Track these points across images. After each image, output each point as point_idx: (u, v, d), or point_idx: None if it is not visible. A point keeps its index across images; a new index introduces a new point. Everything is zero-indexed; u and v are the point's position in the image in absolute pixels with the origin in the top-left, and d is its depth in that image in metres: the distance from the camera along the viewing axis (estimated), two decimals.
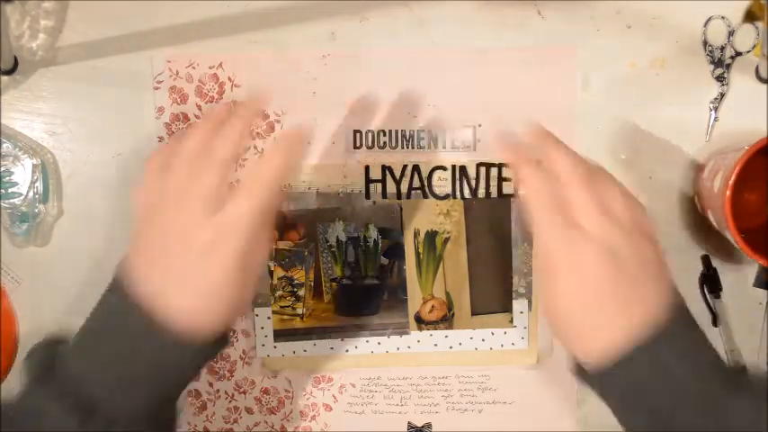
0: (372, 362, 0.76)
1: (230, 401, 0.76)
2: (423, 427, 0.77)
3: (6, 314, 0.74)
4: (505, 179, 0.73)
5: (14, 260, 0.74)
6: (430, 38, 0.72)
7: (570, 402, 0.76)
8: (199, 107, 0.72)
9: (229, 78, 0.72)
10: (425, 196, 0.73)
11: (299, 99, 0.72)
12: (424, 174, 0.73)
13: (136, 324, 0.53)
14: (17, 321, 0.74)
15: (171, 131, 0.73)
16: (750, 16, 0.71)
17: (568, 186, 0.55)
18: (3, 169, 0.72)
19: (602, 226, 0.53)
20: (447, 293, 0.75)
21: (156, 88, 0.72)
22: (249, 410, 0.76)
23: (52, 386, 0.53)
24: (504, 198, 0.73)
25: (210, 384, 0.76)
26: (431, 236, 0.74)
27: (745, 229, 0.64)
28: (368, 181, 0.73)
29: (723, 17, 0.71)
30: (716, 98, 0.72)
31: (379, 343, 0.75)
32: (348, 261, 0.74)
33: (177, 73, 0.72)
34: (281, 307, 0.75)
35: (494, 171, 0.73)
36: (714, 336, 0.74)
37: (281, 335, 0.75)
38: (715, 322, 0.73)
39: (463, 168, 0.73)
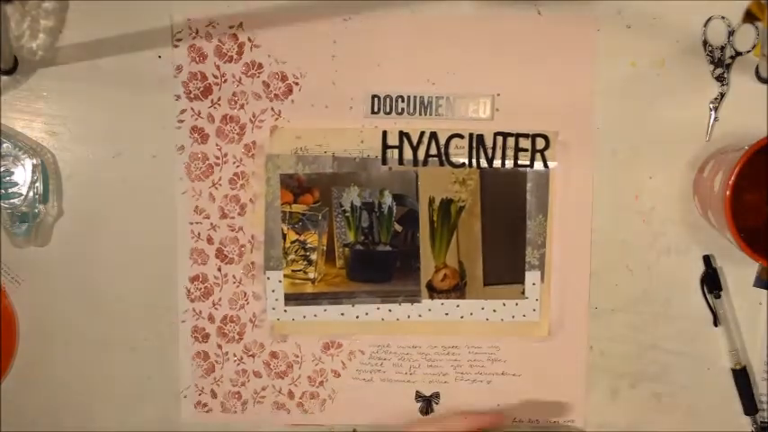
0: (383, 329, 0.76)
1: (238, 364, 0.76)
2: (431, 396, 0.77)
3: (6, 314, 0.74)
4: (522, 149, 0.73)
5: (14, 260, 0.74)
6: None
7: (580, 376, 0.76)
8: (217, 67, 0.72)
9: (249, 39, 0.72)
10: (442, 164, 0.74)
11: (317, 62, 0.72)
12: (442, 141, 0.73)
13: None
14: (17, 321, 0.74)
15: (188, 90, 0.72)
16: (750, 16, 0.71)
17: None
18: (3, 169, 0.72)
19: None
20: (460, 262, 0.75)
21: (176, 46, 0.72)
22: (257, 374, 0.77)
23: None
24: (521, 169, 0.74)
25: (219, 346, 0.76)
26: (446, 204, 0.74)
27: (745, 229, 0.64)
28: (385, 147, 0.73)
29: (723, 17, 0.71)
30: (716, 98, 0.72)
31: (390, 310, 0.76)
32: (362, 227, 0.74)
33: (197, 32, 0.72)
34: (292, 271, 0.75)
35: (511, 141, 0.73)
36: (716, 336, 0.74)
37: (291, 299, 0.75)
38: (716, 322, 0.73)
39: (480, 137, 0.73)
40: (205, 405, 0.77)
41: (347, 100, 0.73)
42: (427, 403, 0.77)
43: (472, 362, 0.76)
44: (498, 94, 0.73)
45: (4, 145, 0.71)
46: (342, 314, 0.75)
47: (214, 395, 0.77)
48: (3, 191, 0.72)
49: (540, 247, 0.74)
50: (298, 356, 0.76)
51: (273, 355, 0.76)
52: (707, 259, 0.73)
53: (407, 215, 0.74)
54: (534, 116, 0.73)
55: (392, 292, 0.75)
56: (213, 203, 0.74)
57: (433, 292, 0.75)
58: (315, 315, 0.76)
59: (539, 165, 0.73)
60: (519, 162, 0.73)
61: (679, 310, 0.74)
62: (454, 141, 0.73)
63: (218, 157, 0.73)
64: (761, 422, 0.74)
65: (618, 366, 0.76)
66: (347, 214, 0.74)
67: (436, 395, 0.77)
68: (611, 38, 0.72)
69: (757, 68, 0.72)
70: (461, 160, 0.73)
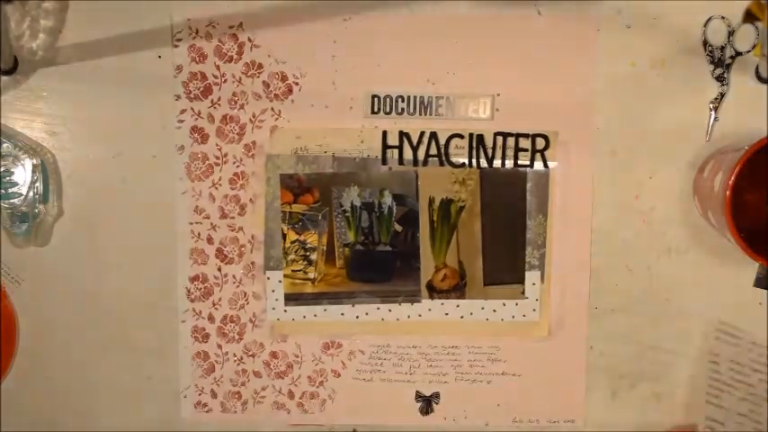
0: (383, 329, 0.76)
1: (239, 364, 0.77)
2: (431, 396, 0.77)
3: (6, 314, 0.74)
4: (522, 149, 0.73)
5: (14, 260, 0.74)
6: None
7: (579, 376, 0.76)
8: (217, 67, 0.72)
9: (249, 39, 0.72)
10: (442, 164, 0.74)
11: (317, 62, 0.72)
12: (442, 141, 0.73)
13: None
14: (17, 321, 0.74)
15: (188, 90, 0.72)
16: (750, 16, 0.71)
17: None
18: (3, 169, 0.72)
19: None
20: (460, 262, 0.75)
21: (176, 46, 0.72)
22: (257, 374, 0.77)
23: None
24: (520, 169, 0.74)
25: (219, 346, 0.76)
26: (446, 204, 0.74)
27: (745, 229, 0.64)
28: (385, 147, 0.73)
29: (723, 17, 0.71)
30: (716, 98, 0.72)
31: (390, 310, 0.76)
32: (362, 226, 0.74)
33: (197, 32, 0.72)
34: (292, 271, 0.75)
35: (511, 141, 0.73)
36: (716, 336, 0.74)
37: (291, 299, 0.75)
38: None
39: (480, 137, 0.73)
40: (205, 405, 0.77)
41: (347, 100, 0.73)
42: (427, 403, 0.77)
43: (472, 362, 0.76)
44: (498, 94, 0.73)
45: (4, 145, 0.71)
46: (342, 314, 0.75)
47: (214, 395, 0.77)
48: (3, 191, 0.72)
49: (540, 247, 0.74)
50: (298, 356, 0.76)
51: (273, 355, 0.76)
52: None
53: (407, 215, 0.74)
54: (534, 116, 0.73)
55: (392, 292, 0.75)
56: (213, 203, 0.74)
57: (433, 292, 0.75)
58: (315, 315, 0.76)
59: (539, 165, 0.73)
60: (519, 162, 0.73)
61: (679, 310, 0.75)
62: (454, 141, 0.73)
63: (218, 157, 0.73)
64: None
65: (618, 366, 0.76)
66: (347, 214, 0.74)
67: (436, 395, 0.77)
68: (611, 38, 0.72)
69: (757, 68, 0.72)
70: (461, 160, 0.73)
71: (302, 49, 0.72)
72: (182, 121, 0.73)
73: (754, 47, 0.71)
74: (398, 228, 0.74)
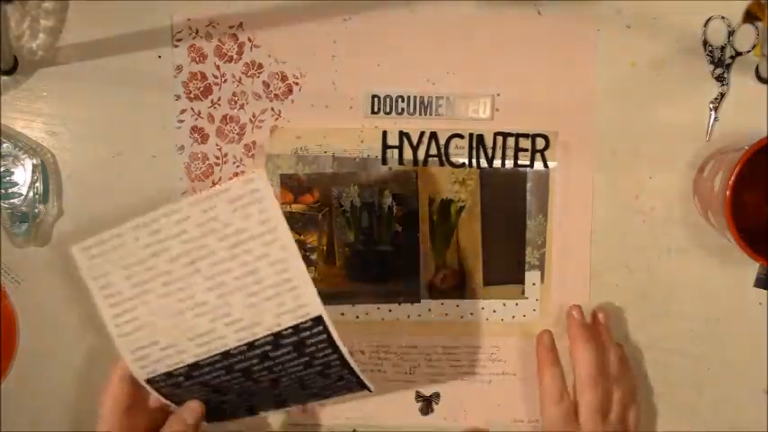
0: (383, 329, 0.76)
1: None
2: (431, 396, 0.77)
3: (6, 314, 0.74)
4: (522, 149, 0.73)
5: (14, 260, 0.74)
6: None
7: None
8: (217, 67, 0.72)
9: (249, 39, 0.72)
10: (442, 164, 0.74)
11: (317, 62, 0.72)
12: (442, 141, 0.73)
13: None
14: (17, 321, 0.74)
15: (188, 90, 0.73)
16: (750, 16, 0.71)
17: (581, 383, 0.68)
18: (3, 169, 0.72)
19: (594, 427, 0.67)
20: (460, 262, 0.75)
21: (176, 46, 0.72)
22: None
23: None
24: (520, 169, 0.74)
25: None
26: (446, 204, 0.74)
27: (745, 229, 0.64)
28: (385, 146, 0.73)
29: (723, 17, 0.71)
30: (716, 98, 0.72)
31: (390, 310, 0.76)
32: (362, 226, 0.74)
33: (197, 32, 0.72)
34: None
35: (511, 141, 0.73)
36: (715, 336, 0.75)
37: None
38: None
39: (480, 137, 0.73)
40: None
41: (347, 100, 0.73)
42: (427, 403, 0.77)
43: (472, 362, 0.76)
44: (498, 94, 0.73)
45: (4, 145, 0.71)
46: (342, 314, 0.75)
47: None
48: (3, 191, 0.72)
49: (540, 247, 0.74)
50: None
51: None
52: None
53: (407, 215, 0.74)
54: (534, 116, 0.73)
55: (392, 292, 0.75)
56: None
57: (434, 291, 0.75)
58: None
59: (539, 165, 0.73)
60: (519, 162, 0.73)
61: (679, 310, 0.74)
62: (454, 141, 0.73)
63: (218, 158, 0.73)
64: None
65: None
66: (347, 214, 0.74)
67: (436, 395, 0.77)
68: (611, 38, 0.72)
69: (757, 68, 0.72)
70: (461, 160, 0.74)
71: (302, 49, 0.72)
72: (182, 122, 0.73)
73: (754, 47, 0.71)
74: (398, 228, 0.74)
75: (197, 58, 0.72)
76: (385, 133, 0.73)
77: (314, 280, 0.58)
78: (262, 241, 0.54)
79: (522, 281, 0.75)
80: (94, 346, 0.76)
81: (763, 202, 0.71)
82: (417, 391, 0.77)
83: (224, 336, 0.56)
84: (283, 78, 0.73)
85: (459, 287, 0.75)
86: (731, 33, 0.71)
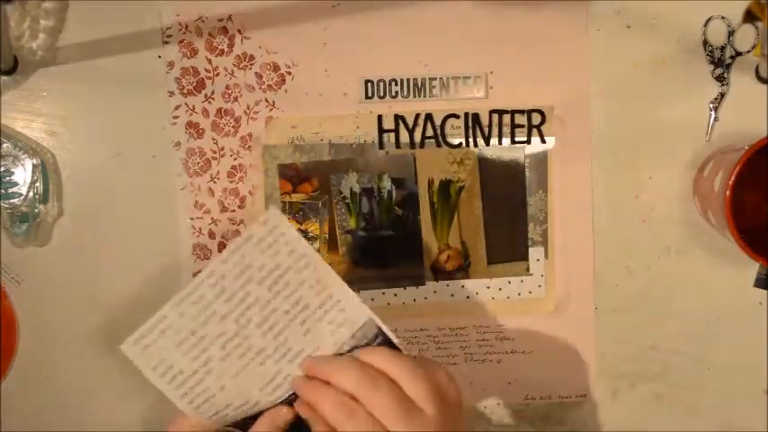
0: (389, 314, 0.75)
1: None
2: None
3: (6, 314, 0.74)
4: (518, 126, 0.73)
5: (14, 260, 0.74)
6: None
7: (588, 350, 0.76)
8: (209, 61, 0.73)
9: (239, 31, 0.72)
10: (439, 145, 0.74)
11: (309, 50, 0.72)
12: (437, 122, 0.73)
13: None
14: (17, 321, 0.74)
15: (181, 86, 0.73)
16: (750, 16, 0.71)
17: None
18: (3, 169, 0.72)
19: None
20: (462, 242, 0.75)
21: (166, 42, 0.72)
22: None
23: None
24: (518, 145, 0.74)
25: None
26: (445, 185, 0.74)
27: (745, 229, 0.64)
28: (381, 131, 0.74)
29: (723, 17, 0.71)
30: (716, 98, 0.72)
31: (395, 294, 0.75)
32: (362, 212, 0.74)
33: (186, 27, 0.72)
34: None
35: (506, 118, 0.73)
36: (716, 336, 0.74)
37: None
38: None
39: (476, 116, 0.73)
40: None
41: (341, 86, 0.73)
42: None
43: (481, 342, 0.76)
44: (491, 72, 0.73)
45: (4, 145, 0.71)
46: None
47: None
48: (3, 191, 0.72)
49: (543, 223, 0.74)
50: None
51: None
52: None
53: (407, 198, 0.74)
54: (529, 92, 0.73)
55: (396, 276, 0.75)
56: (212, 198, 0.74)
57: (438, 273, 0.75)
58: None
59: (536, 140, 0.73)
60: (516, 139, 0.74)
61: (679, 310, 0.74)
62: (450, 121, 0.73)
63: (214, 152, 0.73)
64: None
65: (618, 366, 0.76)
66: (347, 201, 0.74)
67: None
68: (612, 38, 0.72)
69: (757, 68, 0.72)
70: (458, 140, 0.74)
71: (293, 37, 0.72)
72: (176, 117, 0.73)
73: (754, 47, 0.71)
74: (399, 211, 0.74)
75: (188, 53, 0.72)
76: (380, 117, 0.73)
77: None
78: (296, 269, 0.55)
79: (525, 257, 0.75)
80: (94, 346, 0.76)
81: (763, 202, 0.71)
82: None
83: (291, 373, 0.56)
84: (276, 68, 0.73)
85: (463, 268, 0.75)
86: (731, 33, 0.71)
